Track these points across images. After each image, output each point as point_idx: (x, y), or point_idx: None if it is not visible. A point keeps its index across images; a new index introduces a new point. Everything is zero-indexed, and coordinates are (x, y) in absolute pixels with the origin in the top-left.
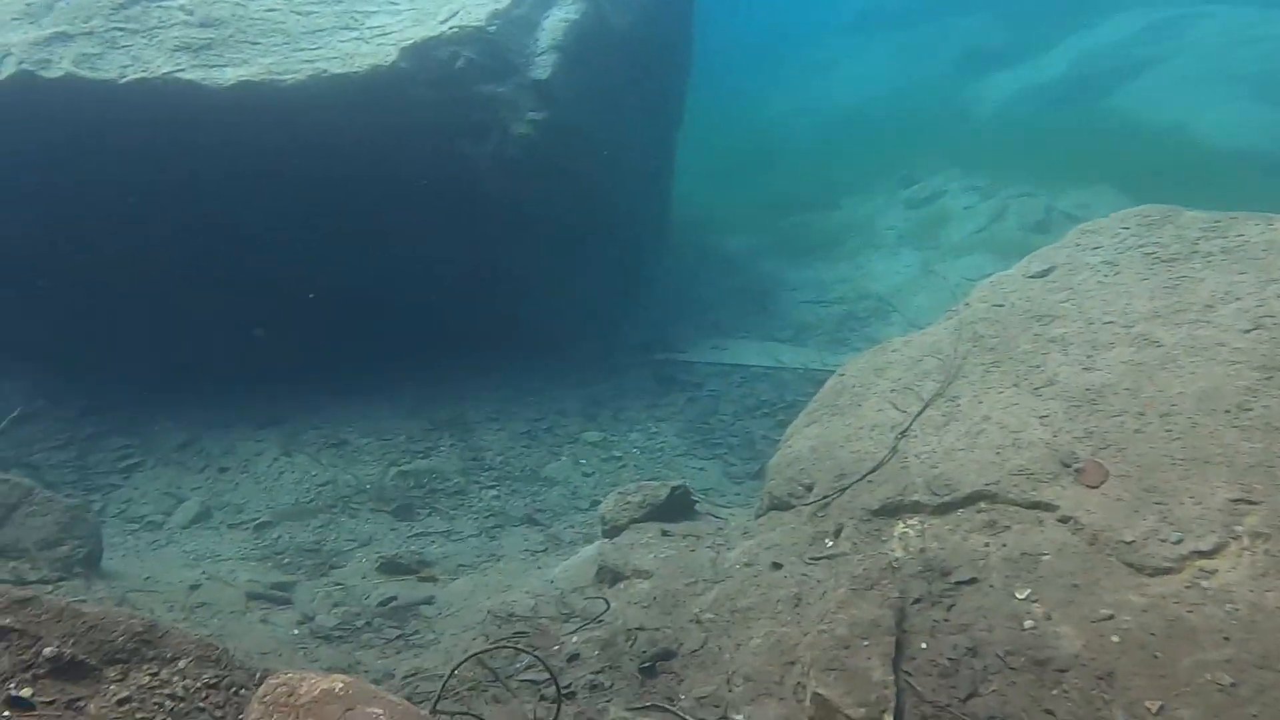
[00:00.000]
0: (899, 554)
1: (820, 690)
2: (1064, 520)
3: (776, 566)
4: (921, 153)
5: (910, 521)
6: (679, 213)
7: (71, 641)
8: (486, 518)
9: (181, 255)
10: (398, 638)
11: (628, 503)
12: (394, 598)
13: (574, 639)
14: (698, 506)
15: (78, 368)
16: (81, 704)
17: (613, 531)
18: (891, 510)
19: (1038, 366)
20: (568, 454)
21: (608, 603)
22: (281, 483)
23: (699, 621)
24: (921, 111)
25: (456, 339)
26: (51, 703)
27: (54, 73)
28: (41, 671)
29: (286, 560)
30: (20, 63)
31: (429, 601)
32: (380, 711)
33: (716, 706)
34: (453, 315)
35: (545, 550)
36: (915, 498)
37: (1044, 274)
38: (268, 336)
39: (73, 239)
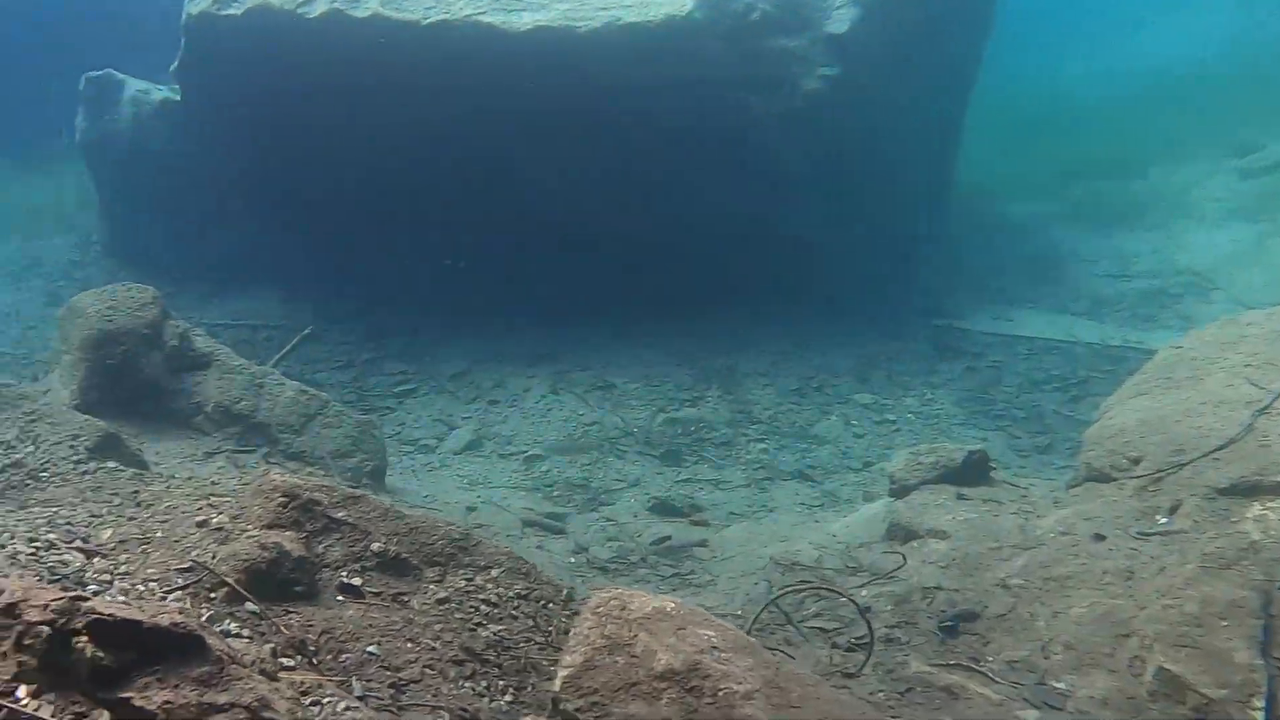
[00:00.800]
0: (1257, 536)
1: (1169, 666)
2: None
3: (1099, 538)
4: (1263, 116)
5: (1270, 504)
6: (963, 175)
7: (396, 540)
8: (756, 469)
9: (464, 193)
10: (673, 575)
11: (920, 463)
12: (667, 537)
13: (864, 592)
14: (993, 473)
15: (358, 294)
16: (405, 599)
17: (901, 491)
18: (1246, 490)
19: None
20: (838, 414)
21: (904, 558)
22: (550, 419)
23: (1005, 586)
24: (1264, 71)
25: (727, 291)
26: (379, 594)
27: (362, 12)
28: (369, 564)
29: (556, 493)
30: (332, 2)
31: (703, 544)
32: (712, 634)
33: (1031, 672)
34: (725, 267)
35: (821, 505)
36: (1279, 479)
37: None
38: (542, 279)
39: (362, 172)
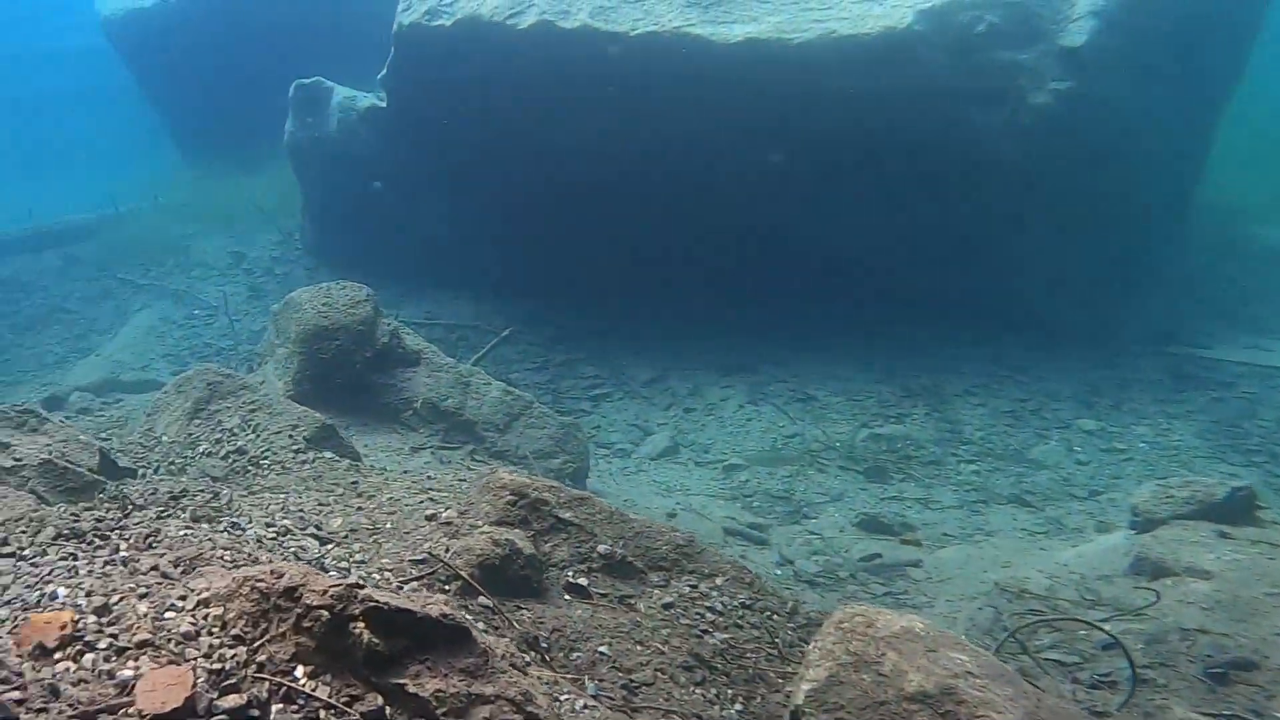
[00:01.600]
0: None
1: None
2: None
3: None
4: None
5: None
6: (1208, 195)
7: (621, 543)
8: (968, 491)
9: (661, 199)
10: (885, 594)
11: (1170, 496)
12: (877, 555)
13: (1106, 627)
14: (1260, 513)
15: (549, 297)
16: (631, 601)
17: (1146, 524)
18: None
19: None
20: (1058, 439)
21: (1157, 595)
22: (748, 430)
23: None
24: None
25: (936, 306)
26: (605, 595)
27: (571, 23)
28: (595, 566)
29: (756, 503)
30: (541, 13)
31: (916, 564)
32: (966, 658)
33: None
34: (936, 281)
35: (1046, 532)
36: None
37: None
38: (737, 287)
39: (558, 178)
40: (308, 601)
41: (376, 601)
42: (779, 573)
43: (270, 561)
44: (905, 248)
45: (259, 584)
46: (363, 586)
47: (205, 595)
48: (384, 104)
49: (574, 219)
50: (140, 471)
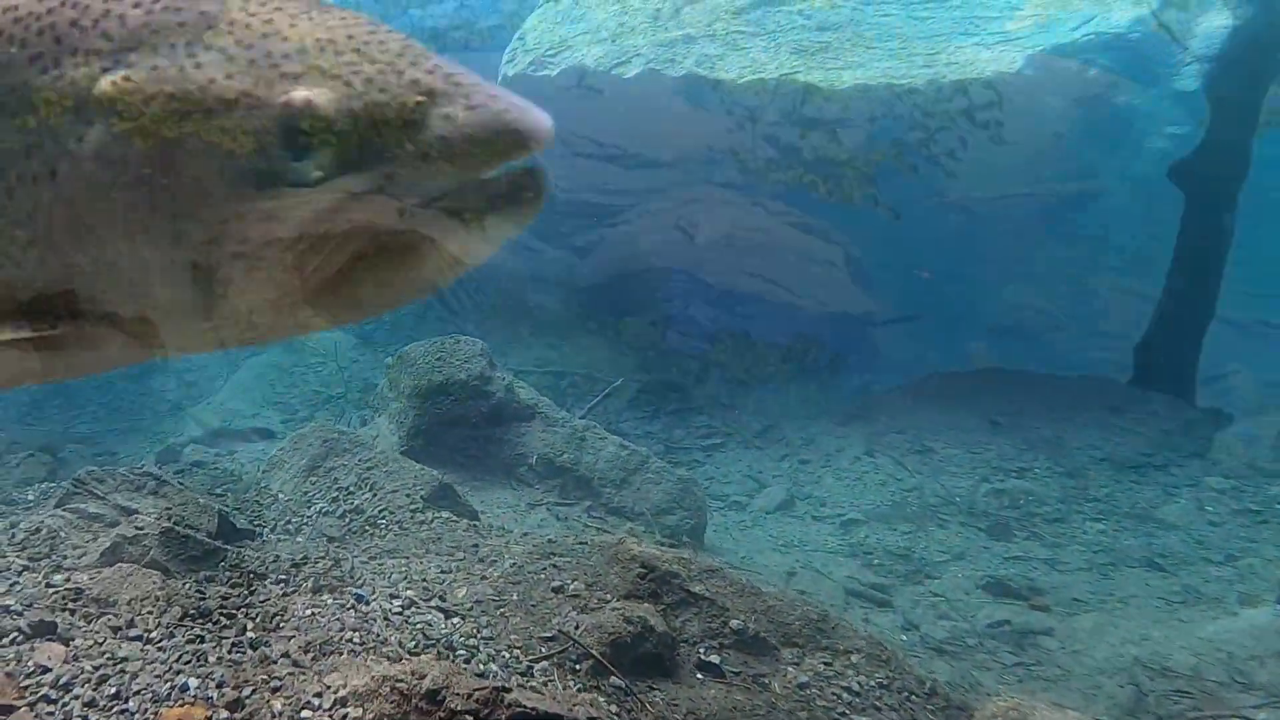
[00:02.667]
0: None
1: None
2: None
3: None
4: None
5: None
6: None
7: (754, 618)
8: (1096, 552)
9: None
10: (1016, 665)
11: None
12: (1006, 622)
13: (1261, 715)
14: None
15: (662, 344)
16: (765, 680)
17: None
18: None
19: None
20: (1187, 497)
21: None
22: (865, 483)
23: None
24: None
25: (1046, 358)
26: (738, 673)
27: (676, 71)
28: (727, 642)
29: (876, 561)
30: (647, 62)
31: (1048, 633)
32: None
33: None
34: (1051, 326)
35: (1183, 602)
36: None
37: None
38: (847, 335)
39: (664, 224)
40: (452, 706)
41: (524, 706)
42: (904, 638)
43: (399, 643)
44: (1023, 294)
45: (399, 684)
46: (509, 690)
47: (342, 694)
48: None
49: (680, 265)
50: (257, 531)
